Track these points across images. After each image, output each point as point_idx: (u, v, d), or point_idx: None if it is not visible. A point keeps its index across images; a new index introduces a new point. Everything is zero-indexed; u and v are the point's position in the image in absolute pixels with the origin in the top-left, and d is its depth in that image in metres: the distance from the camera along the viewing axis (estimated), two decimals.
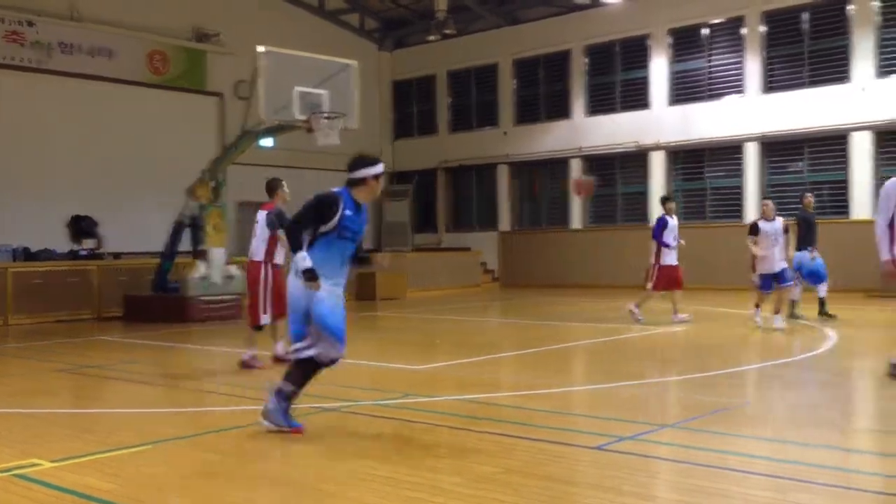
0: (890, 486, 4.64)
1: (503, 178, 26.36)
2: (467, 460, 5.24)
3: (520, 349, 11.04)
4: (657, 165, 23.10)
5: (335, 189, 5.95)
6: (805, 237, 13.63)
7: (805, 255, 13.45)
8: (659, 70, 23.03)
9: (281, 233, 8.93)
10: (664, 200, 14.08)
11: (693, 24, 22.43)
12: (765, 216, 12.47)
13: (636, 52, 23.48)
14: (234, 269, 15.72)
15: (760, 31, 21.27)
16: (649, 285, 13.34)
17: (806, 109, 20.31)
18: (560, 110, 24.92)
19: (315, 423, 6.32)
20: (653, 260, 13.30)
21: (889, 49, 19.50)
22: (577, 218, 24.76)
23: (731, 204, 21.79)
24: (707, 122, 21.98)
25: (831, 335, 11.21)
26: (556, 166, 24.95)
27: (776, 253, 12.21)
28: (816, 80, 20.42)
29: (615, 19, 23.68)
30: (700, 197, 22.69)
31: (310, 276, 5.68)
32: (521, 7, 25.60)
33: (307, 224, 5.88)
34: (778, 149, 21.20)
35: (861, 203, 19.58)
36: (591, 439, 5.73)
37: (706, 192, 22.59)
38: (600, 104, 24.14)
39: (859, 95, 19.46)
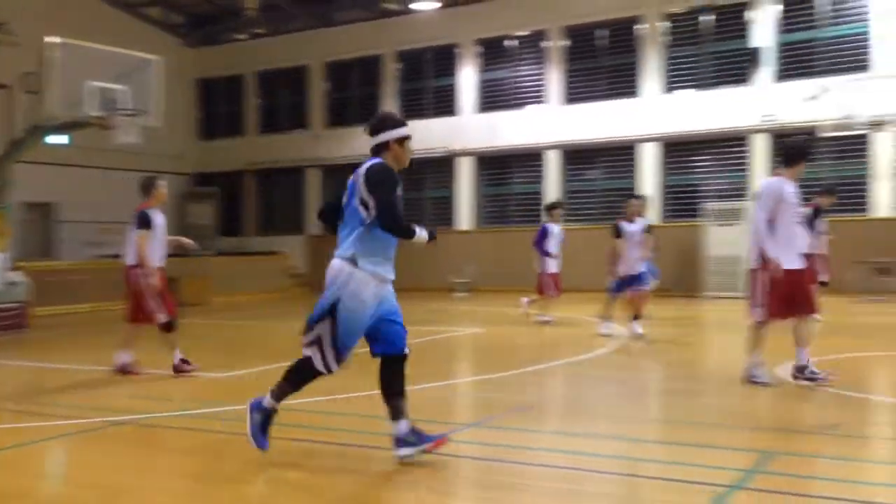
0: (670, 472, 4.99)
1: (314, 181, 26.14)
2: (273, 468, 5.14)
3: None
4: (465, 170, 23.74)
5: (376, 160, 5.13)
6: None
7: None
8: (467, 78, 23.69)
9: (141, 233, 8.54)
10: (550, 207, 14.13)
11: (499, 35, 23.25)
12: (629, 217, 11.79)
13: (446, 59, 24.03)
14: (16, 276, 14.58)
15: (561, 46, 22.37)
16: (551, 292, 13.51)
17: (601, 121, 21.58)
18: (371, 114, 24.88)
19: (112, 437, 5.98)
20: (538, 269, 13.49)
21: (674, 67, 21.10)
22: None
23: (533, 209, 22.76)
24: (511, 129, 22.84)
25: (623, 333, 11.92)
26: None
27: (636, 255, 11.70)
28: (611, 93, 21.75)
29: (426, 27, 24.12)
30: (504, 202, 23.56)
31: (432, 236, 5.33)
32: (335, 9, 25.52)
33: (397, 205, 5.04)
34: (576, 157, 22.37)
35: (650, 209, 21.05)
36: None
37: (510, 197, 23.48)
38: (412, 109, 24.49)
39: (648, 109, 20.92)
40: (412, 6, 23.70)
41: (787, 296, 7.28)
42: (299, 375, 5.22)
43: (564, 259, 13.84)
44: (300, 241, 25.84)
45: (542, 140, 22.38)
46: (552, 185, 22.47)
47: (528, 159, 22.86)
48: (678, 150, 21.02)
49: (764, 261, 7.30)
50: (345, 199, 5.20)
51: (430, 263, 22.79)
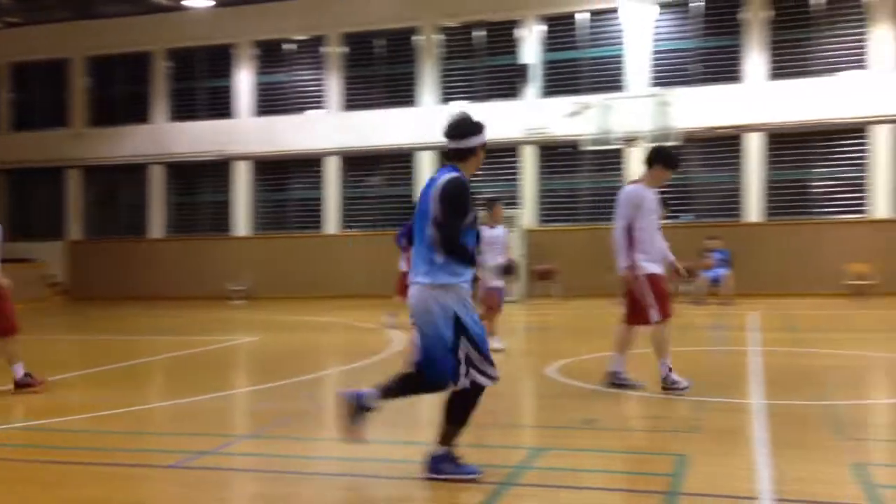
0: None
1: (75, 183, 24.41)
2: (31, 495, 4.71)
3: (92, 367, 10.26)
4: (241, 175, 23.13)
5: (451, 173, 4.77)
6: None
7: None
8: (243, 80, 23.11)
9: None
10: (412, 208, 13.70)
11: (277, 38, 22.89)
12: (490, 221, 10.69)
13: (221, 60, 23.31)
14: None
15: (340, 52, 22.39)
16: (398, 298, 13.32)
17: (381, 128, 21.83)
18: (140, 114, 23.78)
19: None
20: (406, 267, 13.27)
21: (449, 79, 21.77)
22: (156, 227, 23.80)
23: (312, 215, 22.59)
24: (290, 134, 22.55)
25: (402, 338, 12.08)
26: (135, 172, 23.73)
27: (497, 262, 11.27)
28: (389, 101, 22.07)
29: (199, 25, 23.27)
30: (283, 208, 23.21)
31: (508, 269, 5.27)
32: (99, 1, 23.96)
33: (463, 228, 4.68)
34: (355, 163, 22.48)
35: None
36: (167, 457, 5.50)
37: (289, 203, 23.16)
38: (183, 110, 23.52)
39: (425, 118, 21.43)
40: (185, 3, 22.78)
41: (662, 296, 7.35)
42: (464, 408, 4.80)
43: (348, 265, 13.85)
44: (59, 248, 24.02)
45: (321, 145, 22.27)
46: (332, 191, 22.42)
47: (308, 165, 22.68)
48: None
49: (628, 266, 7.29)
50: (417, 215, 4.84)
51: (208, 270, 22.04)
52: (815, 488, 4.59)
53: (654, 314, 7.30)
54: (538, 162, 21.15)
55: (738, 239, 18.88)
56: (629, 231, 7.28)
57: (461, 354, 4.65)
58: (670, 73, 20.32)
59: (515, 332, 13.46)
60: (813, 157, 19.56)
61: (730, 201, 20.16)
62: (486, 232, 10.52)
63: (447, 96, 21.70)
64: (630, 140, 19.33)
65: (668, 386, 7.31)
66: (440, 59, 21.76)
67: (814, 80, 19.33)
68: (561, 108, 20.12)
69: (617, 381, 7.52)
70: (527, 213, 20.93)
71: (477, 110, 21.89)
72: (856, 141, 19.20)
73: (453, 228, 4.65)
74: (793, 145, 19.67)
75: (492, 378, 4.74)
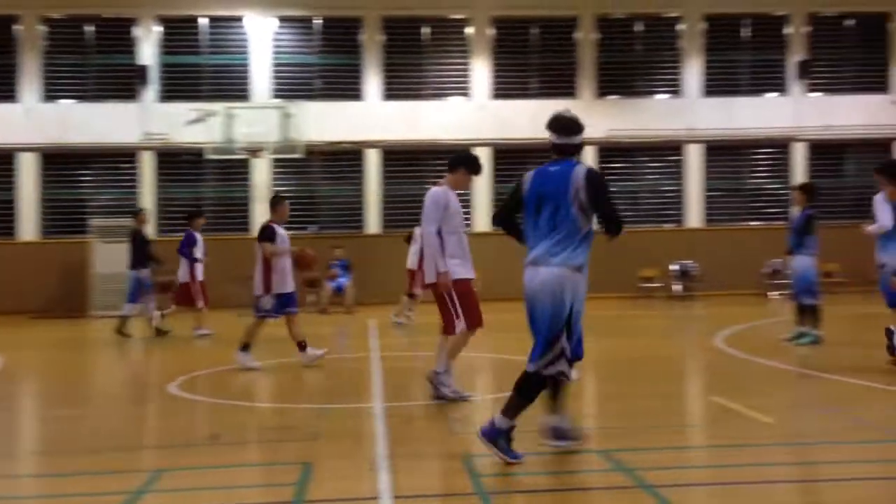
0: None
1: None
2: None
3: None
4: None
5: (583, 165, 5.20)
6: (138, 255, 13.41)
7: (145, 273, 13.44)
8: None
9: None
10: (192, 216, 13.66)
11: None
12: (278, 219, 9.77)
13: None
14: None
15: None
16: (200, 303, 13.12)
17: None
18: None
19: None
20: (188, 277, 13.14)
21: (54, 74, 19.97)
22: None
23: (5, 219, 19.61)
24: None
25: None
26: None
27: (289, 267, 9.72)
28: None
29: None
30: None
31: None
32: None
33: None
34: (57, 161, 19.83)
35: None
36: None
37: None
38: None
39: (27, 116, 19.38)
40: None
41: (473, 305, 7.15)
42: (537, 391, 5.14)
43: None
44: None
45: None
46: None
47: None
48: (64, 162, 19.95)
49: (437, 274, 7.04)
50: (535, 205, 5.15)
51: None
52: (431, 482, 4.89)
53: (459, 325, 7.10)
54: (157, 169, 20.18)
55: (359, 250, 19.65)
56: (439, 235, 7.06)
57: (561, 344, 5.03)
58: (294, 85, 20.60)
59: (133, 345, 12.67)
60: (425, 174, 21.05)
61: (352, 214, 20.95)
62: (282, 230, 9.73)
63: (51, 93, 19.87)
64: (254, 150, 19.23)
65: (438, 394, 7.14)
66: (43, 53, 19.86)
67: (424, 104, 20.84)
68: (182, 114, 19.42)
69: (442, 395, 7.15)
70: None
71: (87, 111, 20.44)
72: None
73: (616, 211, 5.18)
74: (407, 162, 21.01)
75: (569, 378, 5.18)
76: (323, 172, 20.80)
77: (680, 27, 21.04)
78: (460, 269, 7.11)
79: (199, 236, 13.55)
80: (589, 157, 20.83)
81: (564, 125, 5.37)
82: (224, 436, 6.20)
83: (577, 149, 5.41)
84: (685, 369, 9.94)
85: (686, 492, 4.74)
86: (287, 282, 9.54)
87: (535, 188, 5.24)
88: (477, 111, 20.74)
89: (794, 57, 20.99)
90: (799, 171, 20.97)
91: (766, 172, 21.34)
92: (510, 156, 20.86)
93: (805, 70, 20.86)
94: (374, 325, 14.64)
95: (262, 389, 8.99)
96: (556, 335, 5.04)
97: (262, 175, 20.39)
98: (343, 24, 20.87)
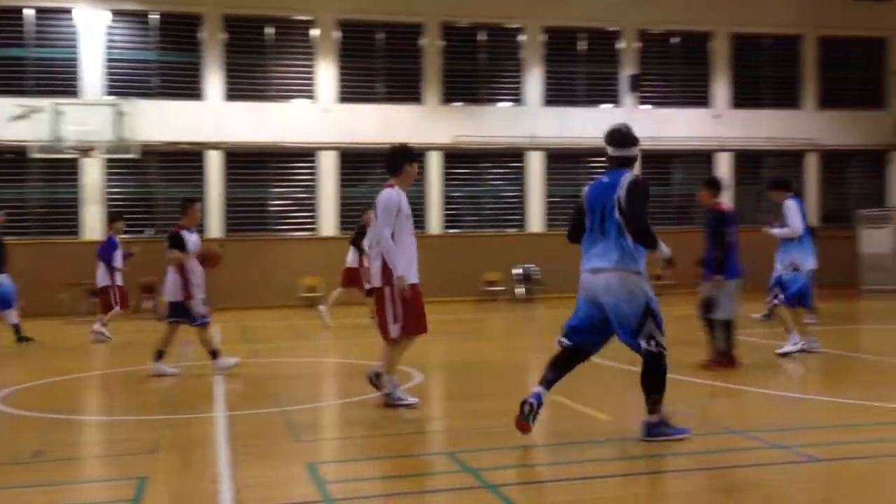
0: None
1: None
2: None
3: None
4: None
5: (631, 174, 5.60)
6: None
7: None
8: None
9: None
10: (112, 220, 13.79)
11: None
12: (188, 223, 9.37)
13: None
14: None
15: None
16: (117, 308, 13.21)
17: None
18: None
19: None
20: (108, 281, 13.21)
21: None
22: None
23: None
24: None
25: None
26: None
27: (200, 272, 9.30)
28: None
29: None
30: None
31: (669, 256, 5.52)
32: None
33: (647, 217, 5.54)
34: None
35: None
36: None
37: None
38: None
39: None
40: None
41: (419, 311, 6.92)
42: (659, 376, 5.53)
43: None
44: None
45: None
46: None
47: None
48: None
49: (388, 277, 6.78)
50: (591, 214, 5.61)
51: None
52: (276, 491, 4.77)
53: (394, 330, 6.87)
54: None
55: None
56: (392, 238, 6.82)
57: (647, 330, 5.48)
58: (128, 83, 19.70)
59: None
60: (269, 177, 20.65)
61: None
62: (190, 236, 9.29)
63: None
64: (85, 150, 18.23)
65: (395, 402, 6.93)
66: None
67: (269, 105, 20.44)
68: (5, 109, 18.16)
69: (392, 401, 6.94)
70: None
71: None
72: (306, 164, 20.79)
73: (645, 216, 5.49)
74: (250, 165, 20.54)
75: (665, 348, 5.57)
76: (161, 174, 20.00)
77: (521, 38, 21.68)
78: (410, 274, 6.93)
79: (118, 240, 13.54)
80: (433, 162, 21.11)
81: (621, 139, 5.70)
82: (51, 452, 5.81)
83: (633, 160, 5.76)
84: (529, 370, 10.20)
85: (528, 489, 4.86)
86: (202, 286, 9.29)
87: (590, 199, 5.69)
88: (322, 114, 20.56)
89: (627, 71, 22.08)
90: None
91: None
92: (356, 160, 20.82)
93: (636, 83, 21.98)
94: (216, 332, 14.19)
95: (97, 401, 8.52)
96: (641, 322, 5.49)
97: (93, 176, 19.36)
98: (182, 21, 20.18)
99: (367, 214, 15.04)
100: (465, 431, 6.30)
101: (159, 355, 9.16)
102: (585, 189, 5.80)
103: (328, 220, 20.65)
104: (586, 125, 21.66)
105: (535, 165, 21.69)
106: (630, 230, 5.47)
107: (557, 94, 21.90)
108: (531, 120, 21.54)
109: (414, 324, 6.91)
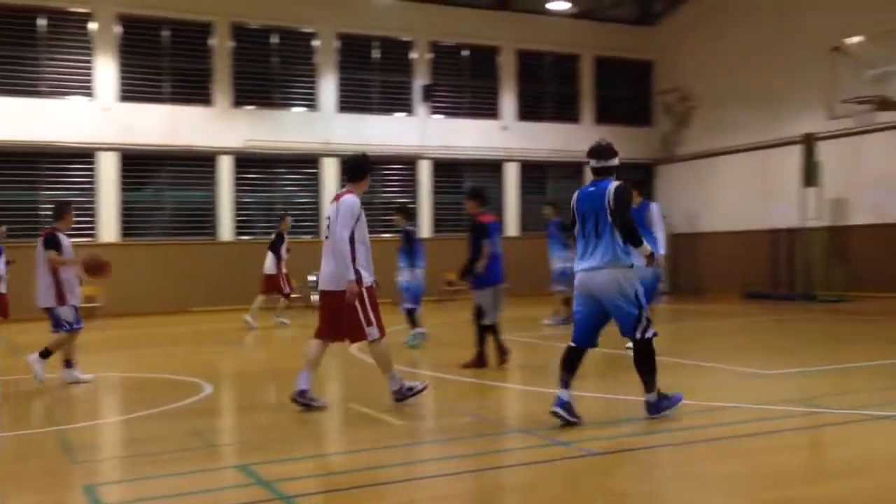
0: None
1: None
2: None
3: None
4: None
5: (615, 182, 6.24)
6: None
7: None
8: None
9: None
10: None
11: None
12: (63, 227, 9.10)
13: None
14: None
15: None
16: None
17: None
18: None
19: None
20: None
21: None
22: None
23: None
24: None
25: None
26: None
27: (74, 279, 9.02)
28: None
29: None
30: None
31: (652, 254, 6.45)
32: None
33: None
34: None
35: None
36: None
37: None
38: None
39: None
40: None
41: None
42: (651, 359, 6.28)
43: None
44: None
45: None
46: None
47: None
48: None
49: (358, 280, 6.97)
50: (582, 219, 6.29)
51: None
52: None
53: (373, 331, 7.06)
54: None
55: None
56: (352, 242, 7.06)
57: (646, 314, 6.23)
58: None
59: None
60: (41, 179, 19.15)
61: None
62: (64, 240, 8.98)
63: None
64: None
65: (408, 394, 7.15)
66: None
67: (41, 101, 18.96)
68: None
69: (304, 401, 6.99)
70: None
71: None
72: (83, 166, 19.46)
73: (631, 219, 6.19)
74: (20, 166, 18.96)
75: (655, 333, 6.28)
76: None
77: (315, 43, 21.53)
78: (368, 277, 7.15)
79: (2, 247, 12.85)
80: (224, 166, 20.49)
81: (601, 151, 6.37)
82: None
83: (613, 170, 6.36)
84: (323, 378, 10.11)
85: (324, 498, 4.80)
86: (76, 292, 9.08)
87: (581, 206, 6.33)
88: (101, 113, 19.35)
89: (420, 81, 22.52)
90: (425, 186, 22.52)
91: (397, 187, 22.58)
92: (139, 162, 19.80)
93: (428, 94, 22.47)
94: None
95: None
96: (638, 316, 6.16)
97: None
98: None
99: (285, 221, 16.08)
100: (257, 443, 6.14)
101: (67, 363, 9.04)
102: (574, 196, 6.43)
103: (109, 226, 19.46)
104: (381, 133, 21.89)
105: (331, 172, 21.57)
106: (620, 230, 6.16)
107: (352, 101, 21.92)
108: (326, 126, 21.42)
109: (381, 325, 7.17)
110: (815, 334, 13.12)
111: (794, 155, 19.49)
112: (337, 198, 7.48)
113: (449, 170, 22.92)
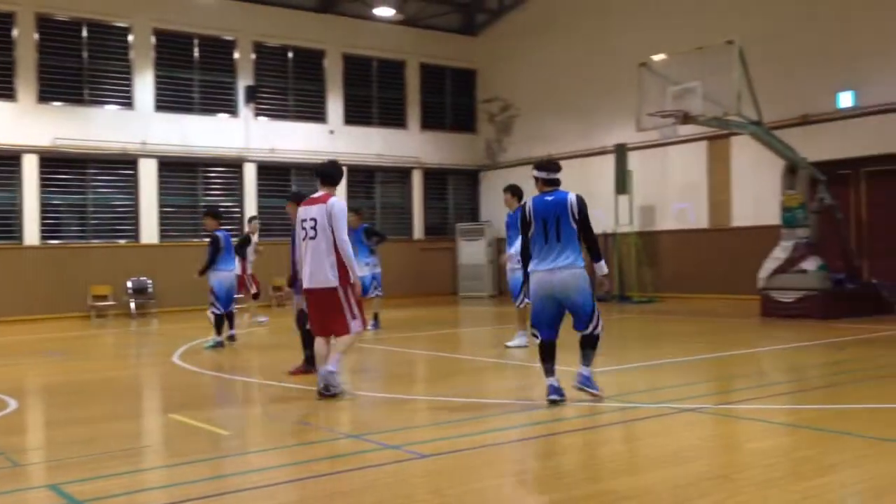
0: None
1: None
2: None
3: None
4: None
5: (572, 193, 7.00)
6: None
7: None
8: None
9: None
10: None
11: None
12: None
13: None
14: None
15: None
16: None
17: None
18: None
19: None
20: None
21: None
22: None
23: None
24: None
25: None
26: None
27: None
28: None
29: None
30: None
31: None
32: None
33: None
34: None
35: None
36: None
37: None
38: None
39: None
40: None
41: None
42: (597, 345, 7.09)
43: None
44: None
45: None
46: None
47: None
48: None
49: (344, 278, 7.53)
50: (543, 226, 6.94)
51: None
52: None
53: (356, 325, 7.62)
54: None
55: None
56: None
57: (598, 311, 7.01)
58: None
59: None
60: None
61: None
62: None
63: None
64: None
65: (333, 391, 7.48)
66: None
67: None
68: None
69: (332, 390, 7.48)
70: None
71: None
72: None
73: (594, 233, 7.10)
74: None
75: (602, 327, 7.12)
76: None
77: (130, 38, 20.55)
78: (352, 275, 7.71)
79: None
80: (29, 165, 19.17)
81: (550, 166, 7.16)
82: None
83: (560, 182, 7.11)
84: (143, 388, 9.67)
85: None
86: None
87: (541, 213, 6.95)
88: None
89: (243, 81, 21.99)
90: (250, 190, 22.00)
91: (220, 190, 21.93)
92: None
93: (252, 95, 21.98)
94: None
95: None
96: (592, 312, 6.95)
97: None
98: None
99: (252, 224, 16.39)
100: (70, 461, 5.76)
101: None
102: (529, 204, 7.03)
103: (32, 229, 17.83)
104: (203, 134, 21.20)
105: (148, 173, 20.64)
106: (586, 239, 6.96)
107: (171, 101, 21.08)
108: (143, 125, 20.49)
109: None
110: (628, 334, 13.90)
111: (609, 164, 20.62)
112: (315, 201, 7.72)
113: (275, 173, 22.53)
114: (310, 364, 9.13)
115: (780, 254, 15.23)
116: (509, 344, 11.15)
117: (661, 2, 20.71)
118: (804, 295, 14.59)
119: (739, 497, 4.42)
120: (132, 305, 19.69)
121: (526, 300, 10.88)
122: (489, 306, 20.69)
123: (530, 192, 7.35)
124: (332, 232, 7.46)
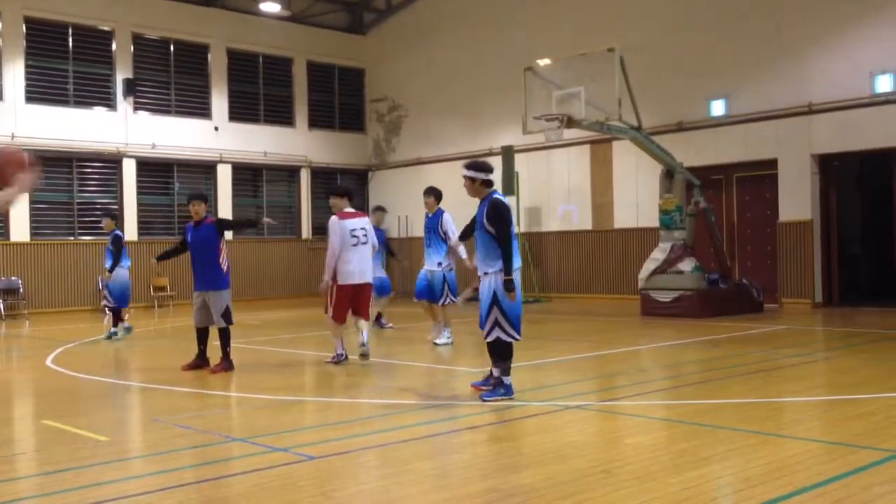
0: None
1: None
2: None
3: None
4: None
5: (497, 196, 7.16)
6: None
7: None
8: None
9: None
10: None
11: None
12: None
13: None
14: None
15: None
16: None
17: None
18: None
19: None
20: None
21: None
22: None
23: None
24: None
25: None
26: None
27: None
28: None
29: None
30: None
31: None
32: None
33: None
34: None
35: None
36: None
37: None
38: None
39: None
40: None
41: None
42: (502, 352, 7.14)
43: None
44: None
45: None
46: None
47: None
48: None
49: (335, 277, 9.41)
50: (476, 228, 7.24)
51: None
52: None
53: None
54: None
55: None
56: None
57: (492, 318, 7.06)
58: None
59: None
60: None
61: None
62: None
63: None
64: None
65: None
66: None
67: None
68: None
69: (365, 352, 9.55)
70: None
71: None
72: None
73: (508, 233, 7.06)
74: None
75: (514, 338, 7.12)
76: None
77: None
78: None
79: None
80: None
81: (481, 165, 7.25)
82: None
83: (493, 182, 7.22)
84: (12, 393, 9.19)
85: None
86: None
87: (477, 215, 7.15)
88: None
89: (122, 74, 21.20)
90: (130, 186, 21.22)
91: (97, 187, 21.07)
92: None
93: (131, 88, 21.21)
94: None
95: None
96: (488, 313, 7.03)
97: None
98: None
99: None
100: None
101: None
102: (507, 203, 7.13)
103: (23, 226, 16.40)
104: (78, 127, 20.33)
105: None
106: (499, 242, 6.95)
107: (42, 92, 20.11)
108: (12, 119, 19.47)
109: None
110: None
111: (496, 165, 20.90)
112: (354, 215, 9.85)
113: (157, 170, 21.83)
114: (201, 359, 9.48)
115: (658, 255, 15.84)
116: (438, 342, 11.48)
117: (546, 7, 21.16)
118: (681, 295, 15.22)
119: (621, 491, 4.57)
120: (1, 307, 18.71)
121: (451, 298, 11.08)
122: (377, 306, 20.62)
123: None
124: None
